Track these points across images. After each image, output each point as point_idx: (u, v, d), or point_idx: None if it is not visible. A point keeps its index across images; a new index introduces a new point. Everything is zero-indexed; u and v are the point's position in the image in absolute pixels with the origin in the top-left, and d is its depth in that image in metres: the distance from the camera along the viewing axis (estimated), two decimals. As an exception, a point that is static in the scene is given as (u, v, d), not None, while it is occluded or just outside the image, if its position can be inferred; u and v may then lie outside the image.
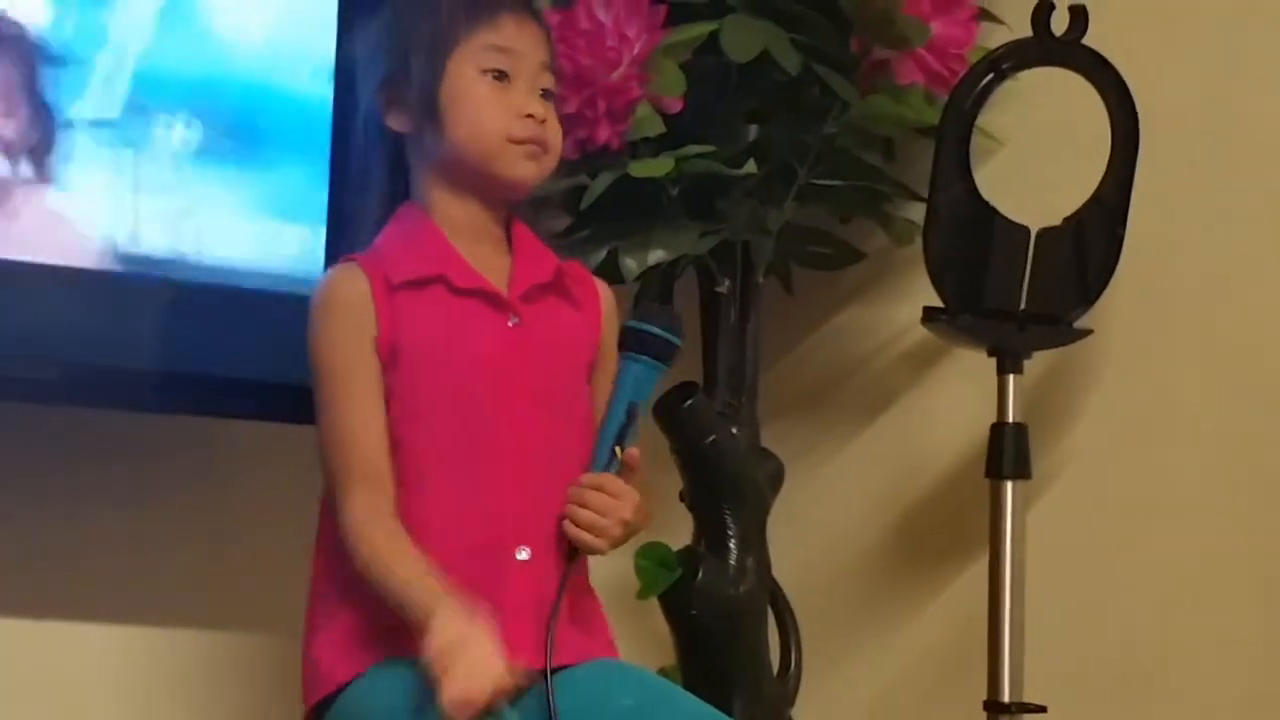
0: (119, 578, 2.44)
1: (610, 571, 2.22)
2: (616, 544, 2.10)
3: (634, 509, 2.08)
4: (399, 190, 2.18)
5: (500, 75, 2.14)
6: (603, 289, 2.23)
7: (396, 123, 2.16)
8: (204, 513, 2.50)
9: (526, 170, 2.14)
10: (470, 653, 1.92)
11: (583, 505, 2.07)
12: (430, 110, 2.14)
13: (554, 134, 2.15)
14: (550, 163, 2.16)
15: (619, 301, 2.24)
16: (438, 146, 2.15)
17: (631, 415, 2.09)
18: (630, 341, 2.12)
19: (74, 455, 2.40)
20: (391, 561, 2.02)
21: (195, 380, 2.31)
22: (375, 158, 2.19)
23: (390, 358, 2.09)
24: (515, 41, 2.14)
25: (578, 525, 2.07)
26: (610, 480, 2.08)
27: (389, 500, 2.06)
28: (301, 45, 2.39)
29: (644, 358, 2.12)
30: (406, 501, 2.07)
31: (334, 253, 2.28)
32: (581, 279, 2.21)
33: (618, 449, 2.08)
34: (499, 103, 2.13)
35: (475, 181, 2.14)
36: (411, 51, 2.15)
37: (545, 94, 2.16)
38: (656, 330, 2.12)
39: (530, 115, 2.12)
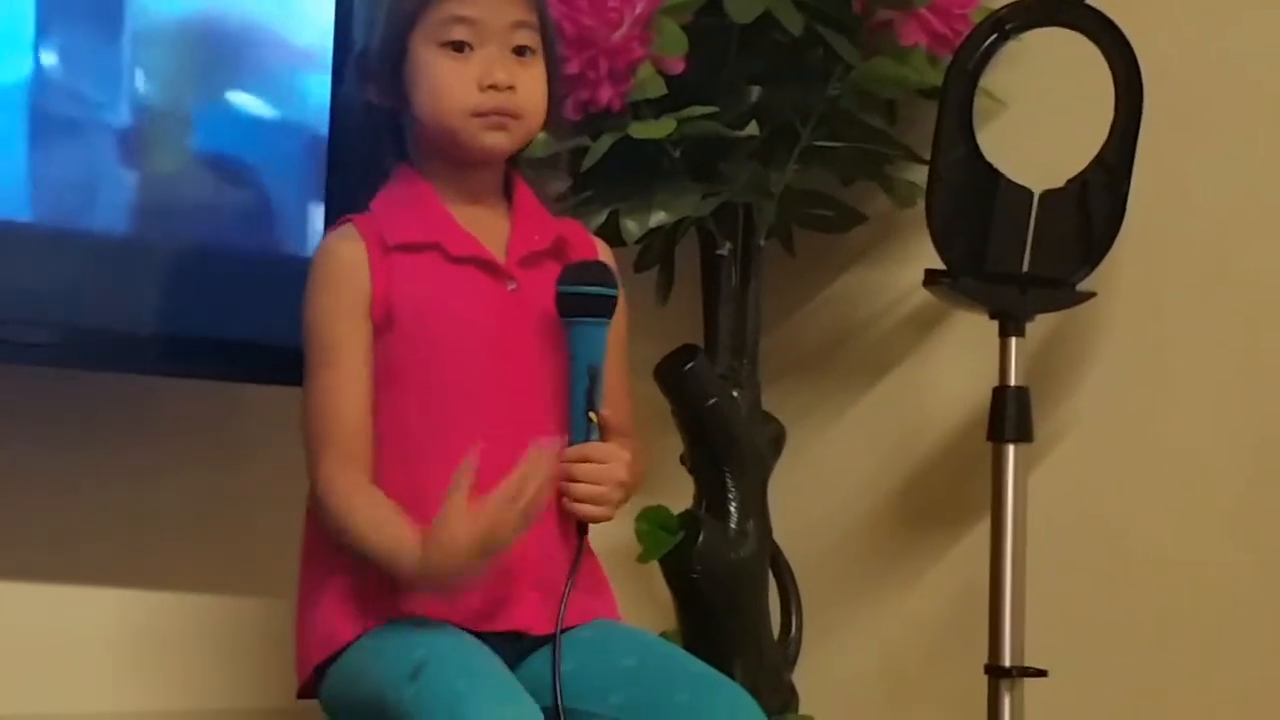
0: (123, 541, 2.44)
1: (611, 535, 2.21)
2: (618, 506, 2.09)
3: (625, 467, 2.08)
4: (398, 152, 2.18)
5: (460, 46, 2.11)
6: (601, 248, 2.23)
7: (372, 95, 2.16)
8: (211, 477, 2.49)
9: (493, 140, 2.12)
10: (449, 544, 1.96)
11: (574, 479, 2.06)
12: (395, 88, 2.13)
13: (527, 95, 2.12)
14: (525, 126, 2.13)
15: (621, 263, 2.24)
16: (411, 120, 2.14)
17: (593, 377, 2.08)
18: (569, 306, 2.10)
19: (78, 419, 2.39)
20: (360, 505, 2.03)
21: (203, 344, 2.30)
22: (369, 122, 2.18)
23: (385, 320, 2.09)
24: (474, 7, 2.11)
25: (576, 500, 2.06)
26: (594, 448, 2.07)
27: (365, 474, 2.07)
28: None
29: (586, 319, 2.10)
30: (401, 467, 2.07)
31: (333, 216, 2.27)
32: (582, 242, 2.21)
33: (591, 415, 2.07)
34: (458, 76, 2.10)
35: (449, 153, 2.14)
36: (376, 28, 2.15)
37: (520, 50, 2.13)
38: (590, 289, 2.10)
39: (493, 85, 2.10)
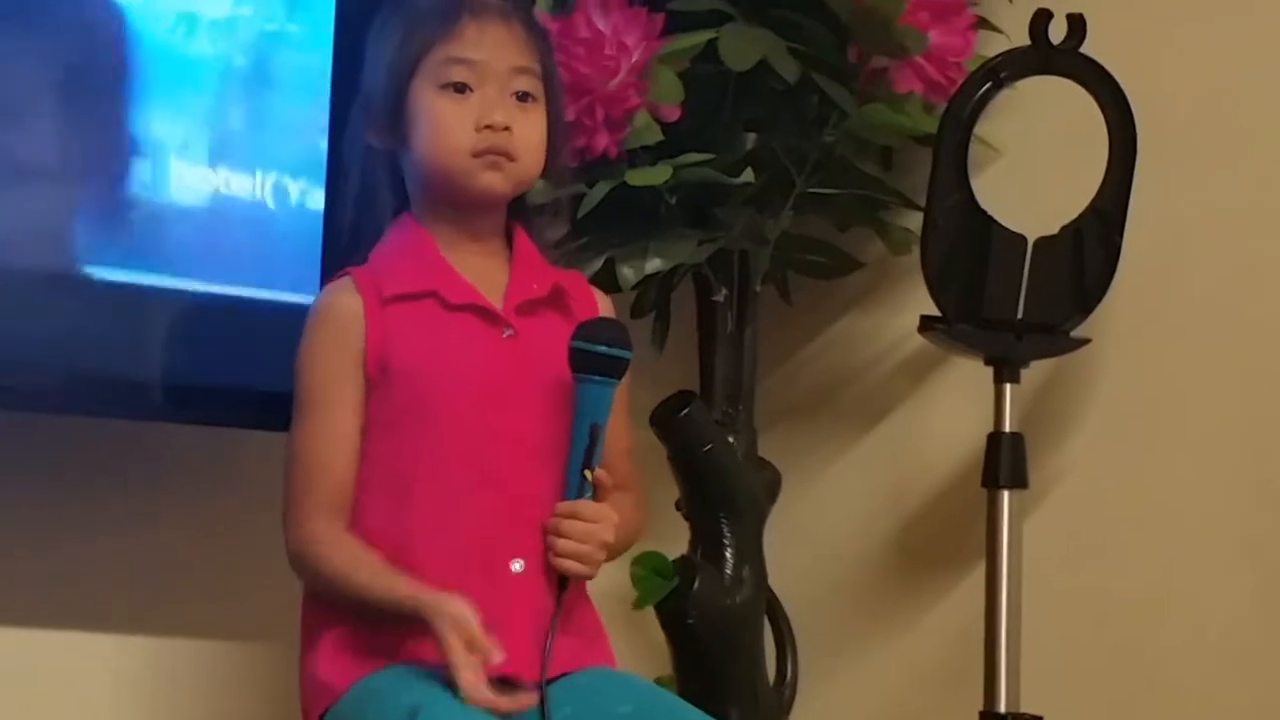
0: (123, 587, 2.44)
1: (607, 581, 2.21)
2: (600, 565, 2.09)
3: (613, 530, 2.08)
4: (398, 202, 2.18)
5: (461, 88, 2.12)
6: (602, 301, 2.23)
7: (375, 139, 2.16)
8: (211, 522, 2.49)
9: (490, 180, 2.12)
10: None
11: (560, 535, 2.06)
12: (396, 129, 2.14)
13: (524, 138, 2.13)
14: (520, 169, 2.13)
15: (617, 309, 2.24)
16: (411, 163, 2.15)
17: (594, 437, 2.08)
18: (580, 363, 2.09)
19: (78, 465, 2.39)
20: (353, 550, 2.05)
21: (202, 391, 2.31)
22: (370, 171, 2.18)
23: (380, 373, 2.10)
24: (476, 50, 2.12)
25: (558, 555, 2.06)
26: (584, 506, 2.07)
27: (345, 527, 2.08)
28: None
29: (596, 377, 2.09)
30: (394, 514, 2.07)
31: (331, 266, 2.28)
32: (581, 292, 2.21)
33: (586, 473, 2.07)
34: (457, 117, 2.11)
35: (447, 196, 2.14)
36: (378, 73, 2.16)
37: (522, 96, 2.14)
38: (604, 349, 2.08)
39: (489, 125, 2.11)
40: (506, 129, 2.11)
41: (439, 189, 2.15)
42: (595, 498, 2.08)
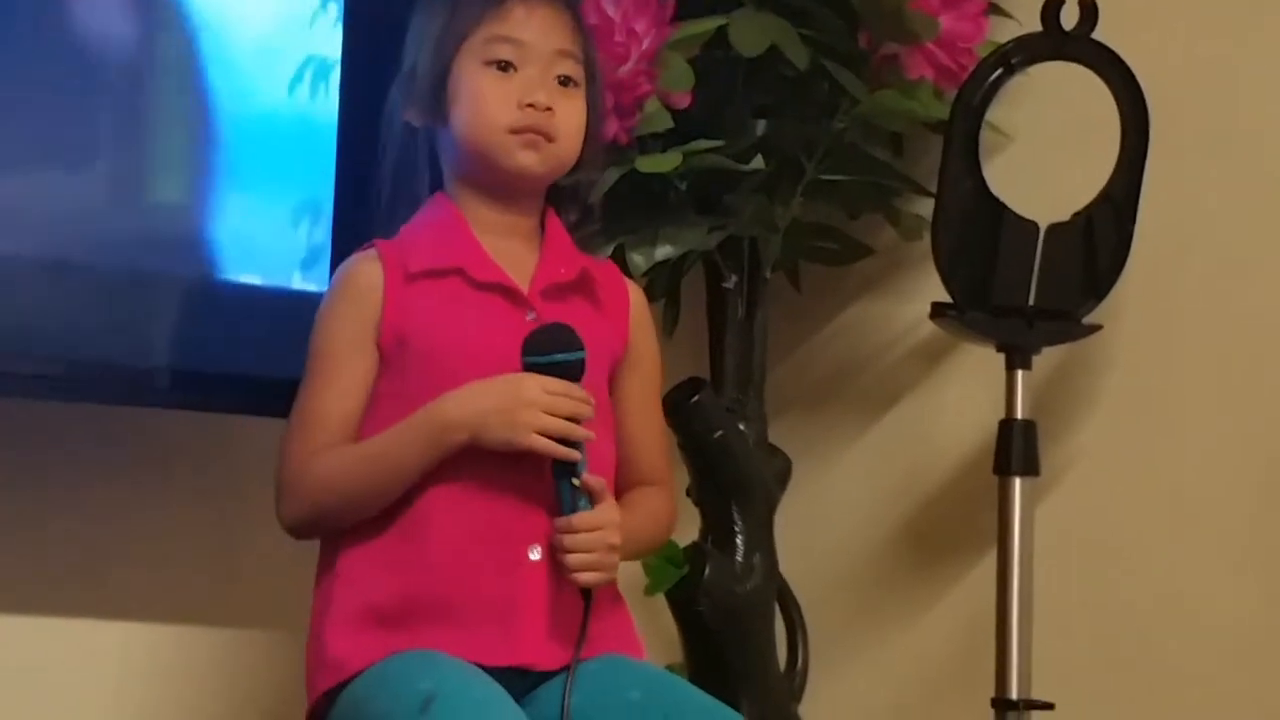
0: (124, 573, 2.44)
1: (618, 569, 2.21)
2: (617, 565, 2.09)
3: (617, 530, 2.07)
4: (432, 180, 2.19)
5: (505, 65, 2.13)
6: (633, 290, 2.23)
7: (413, 117, 2.16)
8: (211, 508, 2.49)
9: (526, 159, 2.13)
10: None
11: (565, 550, 2.05)
12: (437, 105, 2.14)
13: (565, 121, 2.13)
14: (558, 150, 2.14)
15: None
16: (449, 141, 2.15)
17: (574, 446, 2.05)
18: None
19: (77, 451, 2.39)
20: (349, 451, 2.07)
21: (207, 377, 2.31)
22: (407, 149, 2.18)
23: (395, 346, 2.09)
24: (523, 30, 2.14)
25: (572, 571, 2.05)
26: (580, 519, 2.05)
27: None
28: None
29: None
30: (409, 494, 2.07)
31: (342, 247, 2.28)
32: (611, 280, 2.21)
33: (575, 482, 2.05)
34: (499, 93, 2.12)
35: (483, 174, 2.15)
36: (422, 48, 2.16)
37: (564, 80, 2.15)
38: (560, 358, 2.05)
39: (531, 104, 2.11)
40: (548, 109, 2.12)
41: (475, 166, 2.15)
42: (592, 501, 2.06)
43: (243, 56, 2.34)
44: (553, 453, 2.03)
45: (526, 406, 2.02)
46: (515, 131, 2.12)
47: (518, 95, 2.12)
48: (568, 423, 2.03)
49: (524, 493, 2.07)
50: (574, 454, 2.04)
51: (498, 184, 2.15)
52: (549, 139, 2.13)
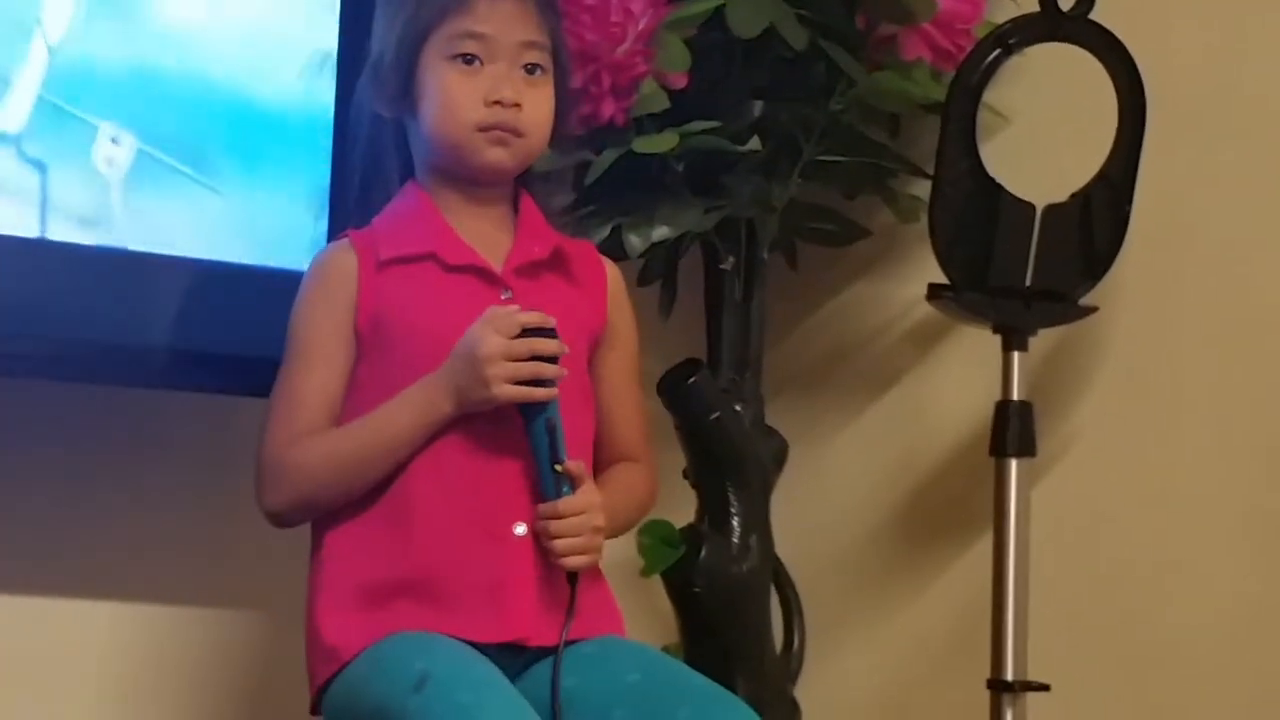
0: (117, 555, 2.44)
1: (614, 549, 2.21)
2: (602, 548, 2.09)
3: (601, 513, 2.07)
4: (404, 169, 2.19)
5: (470, 60, 2.12)
6: (610, 268, 2.23)
7: (381, 107, 2.16)
8: (205, 490, 2.49)
9: (495, 156, 2.13)
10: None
11: (549, 536, 2.06)
12: (405, 97, 2.15)
13: (532, 113, 2.13)
14: (528, 144, 2.14)
15: (625, 277, 2.24)
16: (418, 133, 2.15)
17: (551, 431, 2.05)
18: None
19: (73, 432, 2.39)
20: (334, 435, 2.07)
21: (199, 358, 2.31)
22: (376, 138, 2.19)
23: (372, 331, 2.10)
24: (487, 24, 2.12)
25: (557, 557, 2.06)
26: (564, 503, 2.05)
27: None
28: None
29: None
30: (393, 475, 2.07)
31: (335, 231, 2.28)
32: (586, 257, 2.21)
33: (557, 467, 2.06)
34: (466, 90, 2.12)
35: (453, 167, 2.15)
36: (386, 40, 2.15)
37: (531, 69, 2.14)
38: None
39: (499, 101, 2.11)
40: (516, 105, 2.12)
41: (445, 160, 2.15)
42: (574, 486, 2.07)
43: (243, 40, 2.33)
44: (526, 397, 2.03)
45: (487, 361, 2.03)
46: (484, 129, 2.11)
47: (484, 92, 2.11)
48: (533, 364, 2.04)
49: (506, 470, 2.07)
50: (551, 392, 2.04)
51: (467, 178, 2.15)
52: (518, 135, 2.13)
